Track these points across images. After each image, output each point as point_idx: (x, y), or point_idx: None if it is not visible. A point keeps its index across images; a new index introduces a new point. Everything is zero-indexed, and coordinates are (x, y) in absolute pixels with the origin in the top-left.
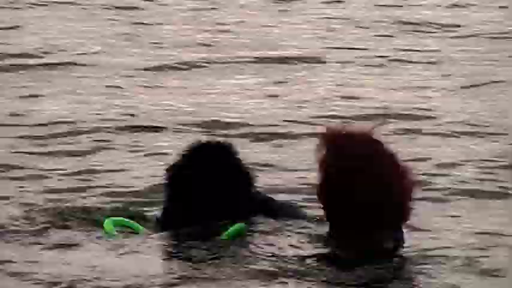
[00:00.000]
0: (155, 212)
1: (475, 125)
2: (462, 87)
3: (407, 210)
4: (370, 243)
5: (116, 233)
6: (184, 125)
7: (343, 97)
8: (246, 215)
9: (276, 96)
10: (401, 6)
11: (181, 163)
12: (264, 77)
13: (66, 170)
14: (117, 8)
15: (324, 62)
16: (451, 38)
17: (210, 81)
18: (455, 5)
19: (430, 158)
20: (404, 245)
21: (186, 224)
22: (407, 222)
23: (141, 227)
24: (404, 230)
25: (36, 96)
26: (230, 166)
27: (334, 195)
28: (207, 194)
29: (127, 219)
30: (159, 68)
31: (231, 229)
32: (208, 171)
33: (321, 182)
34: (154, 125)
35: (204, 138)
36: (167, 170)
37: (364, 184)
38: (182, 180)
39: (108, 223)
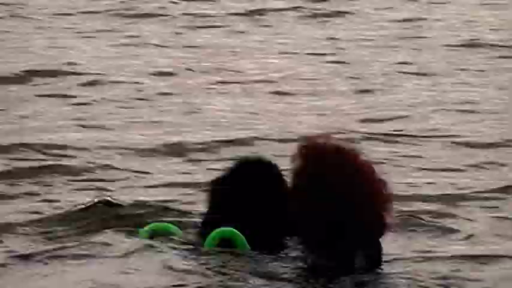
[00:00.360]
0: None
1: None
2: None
3: (383, 224)
4: (342, 257)
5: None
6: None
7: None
8: (283, 230)
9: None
10: None
11: (225, 177)
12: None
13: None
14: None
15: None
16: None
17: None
18: None
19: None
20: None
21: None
22: (385, 236)
23: (178, 231)
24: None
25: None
26: (270, 183)
27: (305, 204)
28: (246, 208)
29: (165, 224)
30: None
31: (209, 237)
32: (249, 187)
33: (293, 191)
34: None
35: (250, 154)
36: (211, 182)
37: (337, 194)
38: (223, 193)
39: (143, 231)
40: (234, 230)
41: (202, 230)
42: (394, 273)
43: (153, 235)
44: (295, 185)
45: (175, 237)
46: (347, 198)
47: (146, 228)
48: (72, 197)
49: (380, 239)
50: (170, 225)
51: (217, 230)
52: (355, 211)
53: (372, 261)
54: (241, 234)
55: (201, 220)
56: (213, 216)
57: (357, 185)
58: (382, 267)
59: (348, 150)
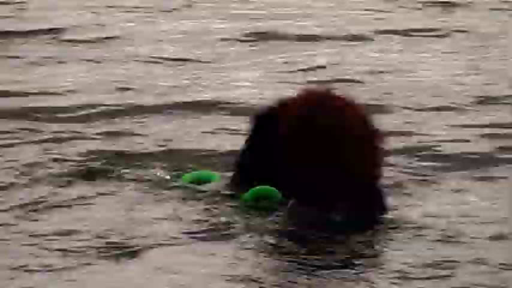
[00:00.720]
0: None
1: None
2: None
3: (373, 171)
4: (323, 203)
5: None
6: None
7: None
8: None
9: None
10: None
11: (265, 113)
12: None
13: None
14: None
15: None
16: None
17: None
18: None
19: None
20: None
21: (257, 166)
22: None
23: (215, 175)
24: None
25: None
26: None
27: (292, 146)
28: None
29: (202, 172)
30: None
31: (250, 191)
32: None
33: (284, 134)
34: None
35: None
36: (253, 116)
37: (324, 138)
38: (261, 129)
39: (186, 177)
40: (272, 188)
41: (240, 177)
42: (384, 226)
43: (195, 181)
44: (286, 127)
45: (213, 184)
46: (333, 142)
47: (189, 174)
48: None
49: (374, 190)
50: (212, 172)
51: (255, 188)
52: (339, 156)
53: (361, 208)
54: (278, 193)
55: (239, 159)
56: (252, 150)
57: (345, 128)
58: (377, 218)
59: (342, 99)
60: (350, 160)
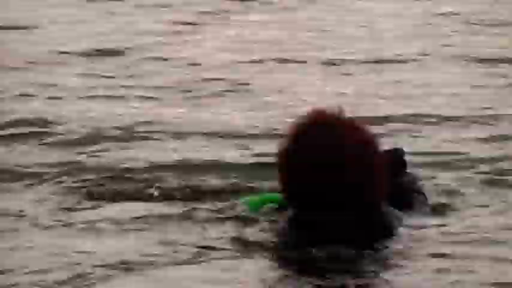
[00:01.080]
0: None
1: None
2: None
3: (376, 188)
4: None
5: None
6: None
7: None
8: None
9: None
10: None
11: None
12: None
13: None
14: None
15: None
16: None
17: None
18: None
19: None
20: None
21: None
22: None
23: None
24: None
25: None
26: None
27: (291, 165)
28: None
29: (268, 195)
30: None
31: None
32: None
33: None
34: None
35: None
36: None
37: (325, 154)
38: None
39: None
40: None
41: None
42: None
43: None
44: (286, 146)
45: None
46: (331, 162)
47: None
48: None
49: (377, 210)
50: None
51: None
52: (338, 176)
53: (363, 230)
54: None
55: None
56: None
57: (346, 147)
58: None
59: (344, 118)
60: (349, 180)
